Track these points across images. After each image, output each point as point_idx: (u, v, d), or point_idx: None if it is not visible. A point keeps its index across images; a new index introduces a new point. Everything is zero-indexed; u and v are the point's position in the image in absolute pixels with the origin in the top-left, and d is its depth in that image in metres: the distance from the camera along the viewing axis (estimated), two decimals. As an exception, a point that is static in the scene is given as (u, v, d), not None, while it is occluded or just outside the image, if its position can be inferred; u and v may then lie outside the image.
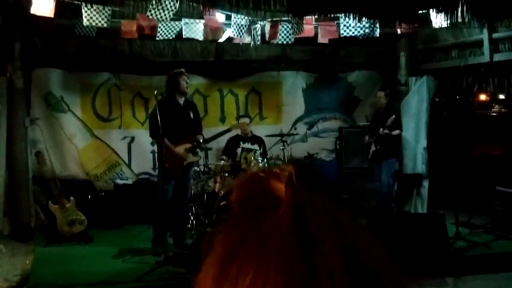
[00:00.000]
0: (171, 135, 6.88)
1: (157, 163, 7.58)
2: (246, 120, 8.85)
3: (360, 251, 0.88)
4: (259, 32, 7.60)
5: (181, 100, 7.07)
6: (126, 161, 9.18)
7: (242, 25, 7.17)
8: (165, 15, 6.62)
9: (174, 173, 6.90)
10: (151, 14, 6.65)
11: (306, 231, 0.85)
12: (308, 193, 0.91)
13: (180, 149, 6.97)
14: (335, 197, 0.98)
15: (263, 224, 0.87)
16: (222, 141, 8.77)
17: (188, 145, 7.03)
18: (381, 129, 8.05)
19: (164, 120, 6.54)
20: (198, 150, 7.39)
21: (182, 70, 7.04)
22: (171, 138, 6.91)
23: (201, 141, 7.25)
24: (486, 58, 8.04)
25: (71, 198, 7.57)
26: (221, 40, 7.80)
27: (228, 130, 7.74)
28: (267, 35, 7.66)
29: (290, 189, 0.90)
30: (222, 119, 9.62)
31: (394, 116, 8.00)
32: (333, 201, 0.93)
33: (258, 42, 7.87)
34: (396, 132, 8.17)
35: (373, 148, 8.32)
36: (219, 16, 6.98)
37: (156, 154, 8.99)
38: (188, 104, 7.22)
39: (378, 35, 7.53)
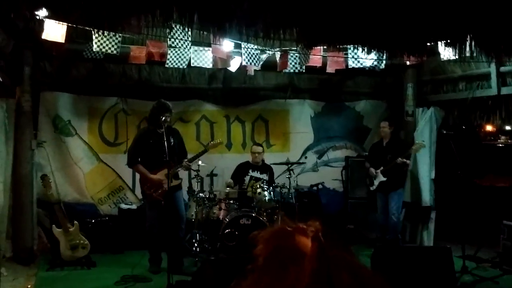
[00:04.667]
0: (150, 163, 7.12)
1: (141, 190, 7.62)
2: (259, 148, 8.76)
3: None
4: (263, 59, 7.62)
5: (160, 130, 7.10)
6: (130, 186, 9.18)
7: (253, 54, 7.21)
8: (178, 42, 6.72)
9: (158, 200, 7.04)
10: (167, 41, 6.78)
11: (330, 286, 0.87)
12: (334, 249, 0.93)
13: (160, 175, 7.10)
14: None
15: (287, 277, 0.89)
16: (230, 167, 8.76)
17: (166, 171, 7.01)
18: (399, 158, 8.08)
19: (142, 149, 6.99)
20: (178, 172, 7.46)
21: (168, 106, 7.19)
22: (150, 166, 7.14)
23: (184, 163, 7.31)
24: (493, 91, 8.03)
25: (75, 222, 7.55)
26: (231, 69, 7.82)
27: (205, 151, 7.69)
28: (277, 65, 7.70)
29: (316, 245, 0.93)
30: (229, 146, 9.63)
31: (413, 148, 8.12)
32: (355, 257, 0.97)
33: (258, 67, 7.92)
34: (408, 161, 8.22)
35: (381, 178, 8.28)
36: (227, 45, 7.01)
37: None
38: (169, 131, 7.20)
39: (385, 67, 7.58)
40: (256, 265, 0.94)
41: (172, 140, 7.19)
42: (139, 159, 7.28)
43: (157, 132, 7.12)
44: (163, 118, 7.05)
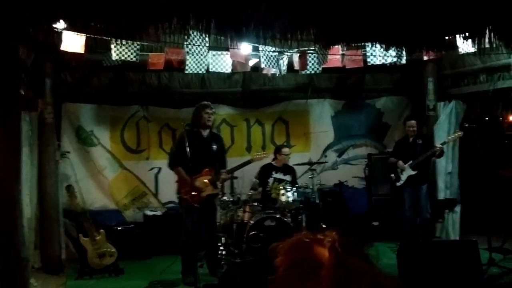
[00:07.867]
0: (191, 167, 6.77)
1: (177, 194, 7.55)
2: (287, 150, 8.73)
3: None
4: (285, 62, 7.62)
5: (205, 132, 7.20)
6: (153, 191, 9.29)
7: (270, 56, 7.22)
8: (196, 48, 6.75)
9: (193, 205, 6.88)
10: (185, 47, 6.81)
11: None
12: (351, 258, 0.94)
13: (198, 181, 7.00)
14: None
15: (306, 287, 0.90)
16: (250, 170, 8.75)
17: (207, 177, 7.07)
18: (438, 145, 8.09)
19: (184, 151, 6.58)
20: (218, 182, 7.33)
21: (207, 103, 7.21)
22: (191, 169, 6.79)
23: (222, 173, 7.26)
24: (515, 81, 7.94)
25: (101, 230, 7.62)
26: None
27: (249, 162, 7.75)
28: (296, 66, 7.69)
29: (333, 255, 0.94)
30: (248, 149, 9.66)
31: (449, 138, 8.17)
32: (374, 265, 0.98)
33: (284, 72, 7.88)
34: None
35: (410, 172, 8.25)
36: (245, 48, 7.02)
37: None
38: (212, 137, 7.30)
39: (404, 62, 7.52)
40: (277, 276, 0.97)
41: (214, 146, 7.23)
42: (180, 161, 7.05)
43: (201, 135, 7.13)
44: (206, 115, 7.09)
